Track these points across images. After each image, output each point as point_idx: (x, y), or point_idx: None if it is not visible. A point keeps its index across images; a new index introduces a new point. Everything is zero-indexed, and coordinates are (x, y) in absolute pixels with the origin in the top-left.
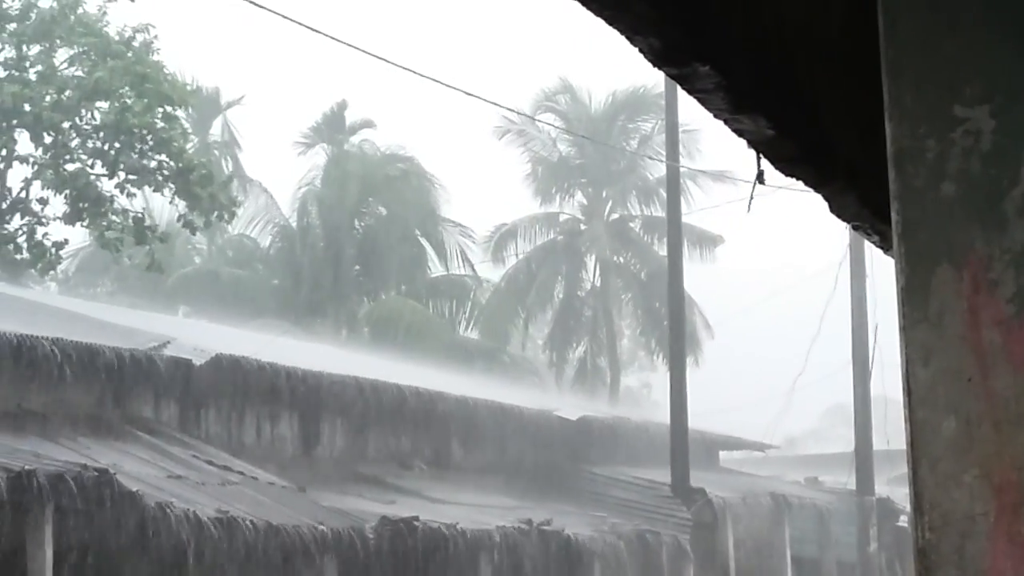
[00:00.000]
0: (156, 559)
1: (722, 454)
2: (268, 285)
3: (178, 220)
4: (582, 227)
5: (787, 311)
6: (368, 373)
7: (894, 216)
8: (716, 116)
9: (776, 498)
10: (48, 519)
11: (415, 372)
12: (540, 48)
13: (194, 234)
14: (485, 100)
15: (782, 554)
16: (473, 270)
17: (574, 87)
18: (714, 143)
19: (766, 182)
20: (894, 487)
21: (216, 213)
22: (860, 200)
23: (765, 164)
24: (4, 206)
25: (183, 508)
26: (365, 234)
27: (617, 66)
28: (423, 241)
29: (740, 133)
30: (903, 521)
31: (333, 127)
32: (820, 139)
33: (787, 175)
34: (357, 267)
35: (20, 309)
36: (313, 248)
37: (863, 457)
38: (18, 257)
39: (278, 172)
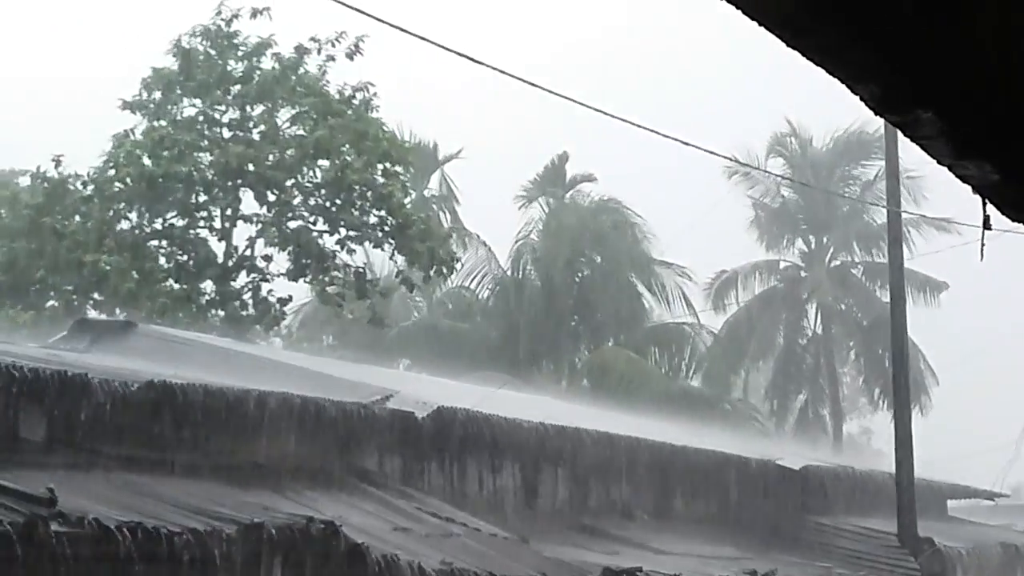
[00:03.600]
0: None
1: (950, 503)
2: (487, 337)
3: (397, 276)
4: (803, 274)
5: (1015, 357)
6: (588, 423)
7: None
8: (939, 162)
9: (1007, 548)
10: (277, 570)
11: (635, 422)
12: (760, 92)
13: (411, 291)
14: (703, 149)
15: None
16: (694, 311)
17: (798, 131)
18: (940, 187)
19: (993, 227)
20: None
21: (435, 268)
22: None
23: (991, 209)
24: (230, 264)
25: (408, 560)
26: (583, 285)
27: (839, 110)
28: (641, 289)
29: (964, 179)
30: None
31: (554, 180)
32: None
33: (1014, 220)
34: (575, 318)
35: (247, 364)
36: (531, 300)
37: None
38: (244, 313)
39: (496, 225)
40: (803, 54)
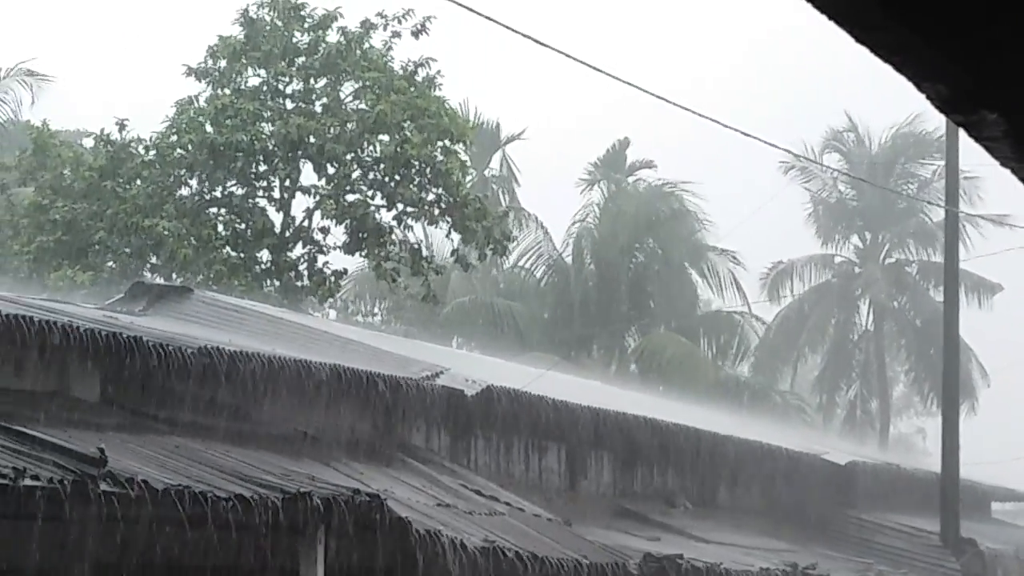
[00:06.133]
0: None
1: (994, 505)
2: (539, 318)
3: (452, 255)
4: (856, 270)
5: None
6: (635, 409)
7: None
8: (1003, 164)
9: None
10: (320, 540)
11: (682, 409)
12: (824, 85)
13: (466, 270)
14: (763, 141)
15: None
16: (746, 299)
17: (858, 127)
18: (998, 188)
19: None
20: None
21: (490, 247)
22: None
23: None
24: (287, 234)
25: (450, 536)
26: (637, 270)
27: (899, 106)
28: (695, 276)
29: None
30: None
31: (614, 165)
32: None
33: None
34: (628, 302)
35: (300, 335)
36: (585, 283)
37: None
38: (299, 284)
39: (554, 207)
40: (871, 50)
